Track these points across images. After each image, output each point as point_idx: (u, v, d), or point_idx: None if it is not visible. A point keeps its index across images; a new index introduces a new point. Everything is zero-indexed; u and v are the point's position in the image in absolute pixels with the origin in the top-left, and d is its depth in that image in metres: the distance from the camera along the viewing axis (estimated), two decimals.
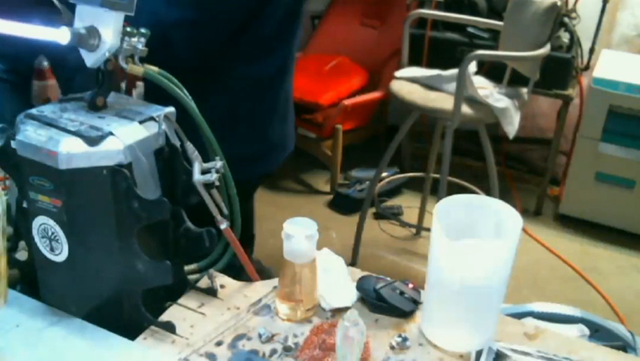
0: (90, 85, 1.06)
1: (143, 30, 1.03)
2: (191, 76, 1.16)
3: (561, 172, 3.36)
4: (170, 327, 1.08)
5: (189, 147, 1.07)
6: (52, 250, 1.03)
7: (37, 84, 2.40)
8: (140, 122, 1.02)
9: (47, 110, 1.03)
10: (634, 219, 3.00)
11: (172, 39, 1.35)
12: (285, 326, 1.11)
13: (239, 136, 1.52)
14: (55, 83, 2.43)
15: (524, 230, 3.01)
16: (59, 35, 0.96)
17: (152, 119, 1.03)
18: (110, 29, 0.98)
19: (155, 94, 1.09)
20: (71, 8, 1.02)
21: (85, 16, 0.99)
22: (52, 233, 1.01)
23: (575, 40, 3.01)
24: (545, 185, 3.28)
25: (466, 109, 2.35)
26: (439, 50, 3.20)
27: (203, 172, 1.06)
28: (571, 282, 2.77)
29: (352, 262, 2.73)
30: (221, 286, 1.20)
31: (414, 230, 3.14)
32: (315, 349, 1.02)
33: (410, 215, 3.23)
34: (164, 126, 1.04)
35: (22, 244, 1.14)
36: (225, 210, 1.15)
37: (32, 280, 1.11)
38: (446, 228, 1.00)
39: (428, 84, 2.55)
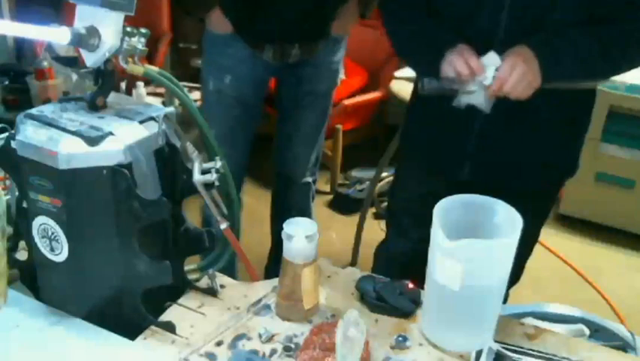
0: None
1: (143, 30, 1.03)
2: None
3: None
4: (170, 327, 1.08)
5: (189, 146, 1.07)
6: (52, 250, 1.03)
7: (36, 84, 2.40)
8: (140, 122, 1.02)
9: (47, 110, 1.03)
10: (634, 219, 3.00)
11: None
12: (285, 326, 1.11)
13: None
14: (55, 83, 2.43)
15: None
16: (59, 35, 0.96)
17: (152, 119, 1.03)
18: (110, 29, 0.98)
19: None
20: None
21: (85, 16, 0.99)
22: (52, 233, 1.01)
23: None
24: None
25: None
26: None
27: (203, 172, 1.06)
28: (571, 282, 2.77)
29: (352, 262, 2.72)
30: (222, 286, 1.20)
31: None
32: (315, 349, 1.02)
33: None
34: (164, 126, 1.04)
35: (22, 244, 1.14)
36: (225, 210, 1.15)
37: (32, 280, 1.11)
38: (446, 228, 1.00)
39: None
